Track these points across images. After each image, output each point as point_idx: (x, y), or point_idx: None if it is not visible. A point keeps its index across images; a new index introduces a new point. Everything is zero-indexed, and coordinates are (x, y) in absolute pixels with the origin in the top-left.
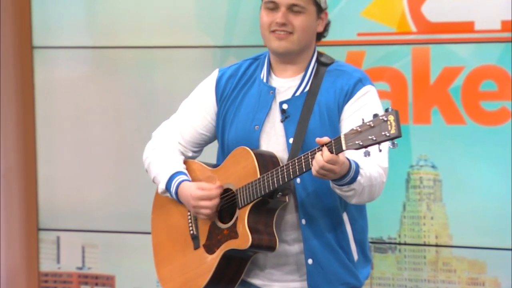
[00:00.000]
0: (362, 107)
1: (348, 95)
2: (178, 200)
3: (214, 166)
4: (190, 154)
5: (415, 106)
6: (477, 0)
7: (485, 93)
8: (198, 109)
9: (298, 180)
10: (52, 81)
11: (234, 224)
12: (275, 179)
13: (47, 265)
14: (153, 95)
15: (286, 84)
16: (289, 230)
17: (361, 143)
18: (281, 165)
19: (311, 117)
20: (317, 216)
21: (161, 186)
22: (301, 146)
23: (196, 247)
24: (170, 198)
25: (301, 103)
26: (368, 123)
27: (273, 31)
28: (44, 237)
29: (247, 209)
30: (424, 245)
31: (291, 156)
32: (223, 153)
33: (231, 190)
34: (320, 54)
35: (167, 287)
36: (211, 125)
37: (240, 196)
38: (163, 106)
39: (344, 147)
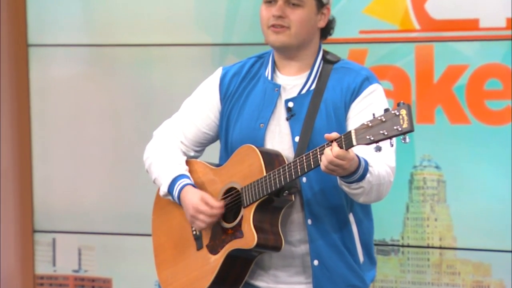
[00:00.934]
0: (369, 106)
1: (355, 93)
2: (180, 203)
3: (217, 165)
4: (192, 153)
5: (418, 105)
6: None
7: (490, 92)
8: (202, 108)
9: (304, 179)
10: (47, 80)
11: (239, 224)
12: (282, 176)
13: (42, 267)
14: (150, 94)
15: (292, 82)
16: (295, 230)
17: (372, 138)
18: (287, 163)
19: (317, 115)
20: (323, 216)
21: (163, 189)
22: (307, 144)
23: (199, 247)
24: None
25: (307, 101)
26: (379, 118)
27: (271, 26)
28: (40, 239)
29: (253, 207)
30: (428, 247)
31: (298, 154)
32: (226, 152)
33: (235, 188)
34: (326, 52)
35: None
36: (215, 124)
37: (245, 194)
38: (161, 105)
39: (354, 142)
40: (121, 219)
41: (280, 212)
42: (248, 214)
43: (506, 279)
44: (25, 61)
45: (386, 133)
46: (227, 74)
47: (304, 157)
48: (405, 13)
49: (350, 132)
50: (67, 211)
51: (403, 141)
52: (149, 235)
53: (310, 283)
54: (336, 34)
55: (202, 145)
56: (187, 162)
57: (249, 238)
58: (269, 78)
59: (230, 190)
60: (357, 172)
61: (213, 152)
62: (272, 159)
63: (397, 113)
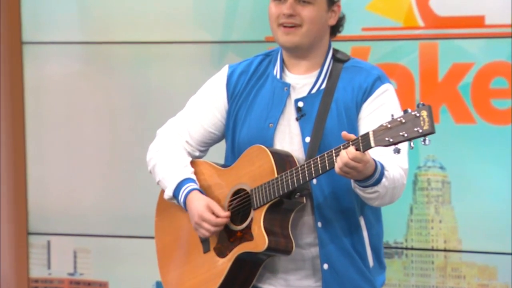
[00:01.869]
0: (381, 106)
1: (366, 93)
2: (185, 209)
3: (224, 166)
4: (197, 154)
5: None
6: None
7: (495, 90)
8: (208, 107)
9: (314, 181)
10: (42, 78)
11: (249, 226)
12: (294, 178)
13: (37, 271)
14: (148, 92)
15: (301, 81)
16: (305, 233)
17: (391, 140)
18: (298, 164)
19: (328, 115)
20: (333, 219)
21: (168, 193)
22: (318, 145)
23: (206, 250)
24: None
25: (318, 101)
26: (399, 119)
27: (281, 24)
28: (34, 241)
29: (263, 210)
30: (432, 250)
31: (309, 155)
32: (233, 152)
33: (244, 190)
34: (335, 51)
35: None
36: (221, 123)
37: (256, 196)
38: (158, 105)
39: (372, 144)
40: (118, 221)
41: (291, 214)
42: (258, 217)
43: None
44: (19, 59)
45: (406, 135)
46: (234, 72)
47: (318, 159)
48: (409, 10)
49: (368, 133)
50: (62, 213)
51: (423, 143)
52: (146, 237)
53: (320, 286)
54: None
55: (207, 145)
56: (192, 163)
57: (260, 241)
58: (278, 76)
59: (238, 191)
60: (373, 176)
61: (215, 151)
62: (283, 160)
63: (418, 114)
